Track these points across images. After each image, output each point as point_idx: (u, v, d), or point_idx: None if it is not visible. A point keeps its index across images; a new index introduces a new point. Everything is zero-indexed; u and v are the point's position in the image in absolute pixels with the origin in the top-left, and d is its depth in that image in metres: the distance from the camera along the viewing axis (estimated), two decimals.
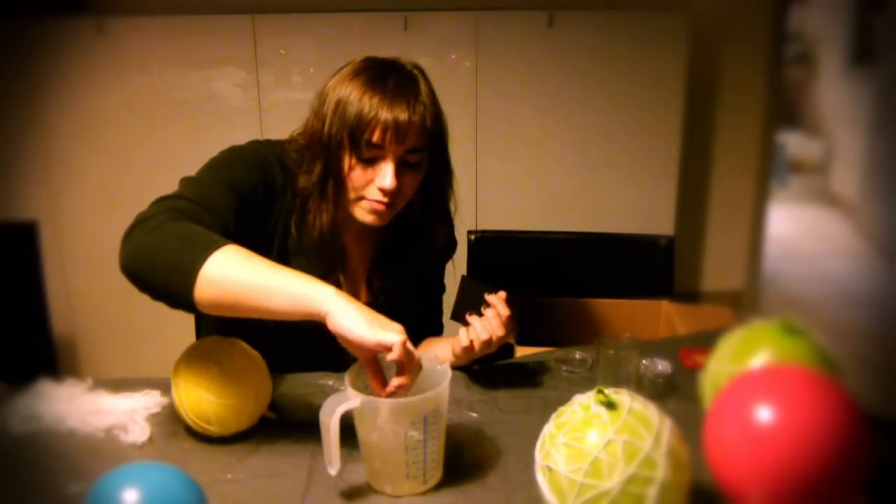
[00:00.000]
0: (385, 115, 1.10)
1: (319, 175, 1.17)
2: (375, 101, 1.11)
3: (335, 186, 1.17)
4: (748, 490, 0.79)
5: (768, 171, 2.75)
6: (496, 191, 2.44)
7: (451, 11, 2.35)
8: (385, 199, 1.15)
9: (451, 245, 1.39)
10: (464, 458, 1.04)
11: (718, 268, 2.74)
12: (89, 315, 2.56)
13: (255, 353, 1.12)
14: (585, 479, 0.79)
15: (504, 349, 1.48)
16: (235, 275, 0.94)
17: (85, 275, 2.53)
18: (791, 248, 4.39)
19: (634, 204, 2.43)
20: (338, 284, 1.23)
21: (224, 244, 0.97)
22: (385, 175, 1.13)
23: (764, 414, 0.78)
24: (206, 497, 0.83)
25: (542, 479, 0.84)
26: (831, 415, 0.77)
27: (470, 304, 1.20)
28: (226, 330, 1.26)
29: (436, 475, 0.98)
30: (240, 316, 0.96)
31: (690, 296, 2.70)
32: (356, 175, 1.15)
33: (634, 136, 2.40)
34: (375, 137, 1.11)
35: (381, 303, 1.31)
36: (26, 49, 2.36)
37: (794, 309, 3.53)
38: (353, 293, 1.28)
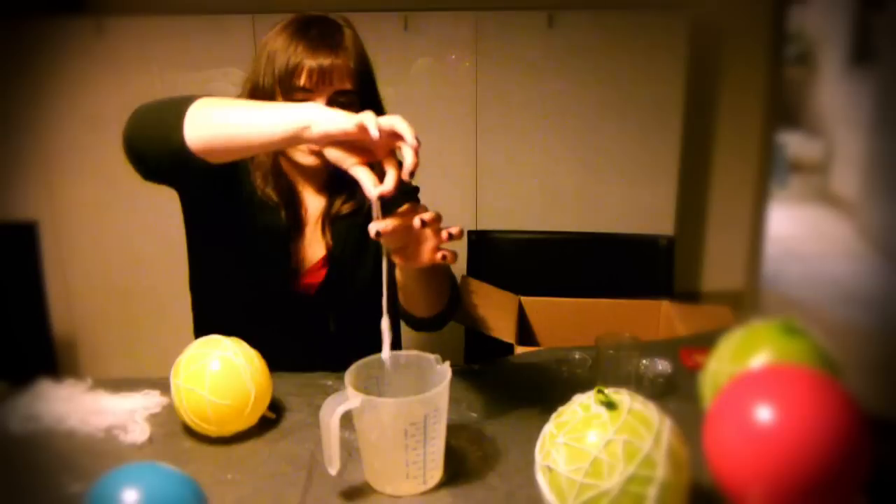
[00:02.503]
0: (310, 57, 1.18)
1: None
2: (301, 47, 1.19)
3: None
4: (748, 490, 0.79)
5: (768, 171, 2.75)
6: (496, 191, 2.44)
7: (451, 11, 2.35)
8: None
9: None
10: (464, 458, 1.04)
11: (718, 268, 2.74)
12: (89, 315, 2.56)
13: (255, 353, 1.12)
14: (585, 478, 0.79)
15: (504, 349, 1.48)
16: (220, 110, 1.00)
17: (85, 275, 2.53)
18: (791, 249, 4.39)
19: (634, 204, 2.43)
20: (301, 235, 1.32)
21: (205, 95, 1.03)
22: None
23: (764, 414, 0.78)
24: (206, 497, 0.83)
25: (542, 479, 0.84)
26: (831, 415, 0.77)
27: (471, 304, 1.20)
28: (225, 329, 1.29)
29: (436, 475, 0.98)
30: (232, 152, 1.00)
31: (690, 296, 2.70)
32: None
33: (634, 136, 2.40)
34: (303, 81, 1.19)
35: (337, 251, 1.35)
36: (26, 49, 2.36)
37: (794, 309, 3.53)
38: (315, 243, 1.35)
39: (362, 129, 0.93)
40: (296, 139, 0.96)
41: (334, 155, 0.97)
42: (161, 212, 2.46)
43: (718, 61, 2.57)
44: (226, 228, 1.31)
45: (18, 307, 1.86)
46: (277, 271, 1.32)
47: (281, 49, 1.21)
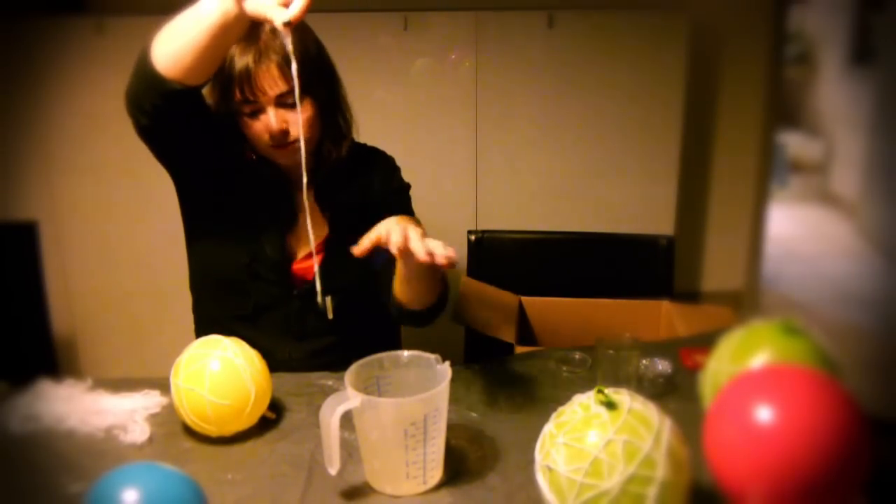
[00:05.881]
0: (238, 71, 1.22)
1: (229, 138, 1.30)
2: (233, 61, 1.22)
3: (238, 141, 1.30)
4: (748, 490, 0.79)
5: (768, 171, 2.75)
6: (496, 191, 2.44)
7: (451, 11, 2.35)
8: (279, 142, 1.26)
9: (387, 169, 1.47)
10: (464, 458, 1.04)
11: (718, 268, 2.74)
12: (89, 315, 2.56)
13: (255, 353, 1.12)
14: (585, 478, 0.79)
15: (504, 349, 1.48)
16: (167, 27, 1.11)
17: (85, 275, 2.53)
18: (791, 249, 4.39)
19: (634, 204, 2.42)
20: (294, 221, 1.36)
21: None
22: (268, 121, 1.24)
23: (764, 414, 0.78)
24: (206, 497, 0.83)
25: (542, 479, 0.84)
26: (831, 415, 0.77)
27: (471, 304, 1.20)
28: (225, 321, 1.30)
29: (436, 475, 0.98)
30: (194, 58, 1.07)
31: (690, 296, 2.70)
32: (250, 131, 1.26)
33: (634, 136, 2.40)
34: (238, 95, 1.22)
35: (335, 237, 1.37)
36: (26, 49, 2.36)
37: (795, 309, 3.53)
38: (312, 229, 1.35)
39: None
40: (228, 13, 1.01)
41: (254, 5, 1.00)
42: (161, 212, 2.47)
43: (718, 61, 2.57)
44: (219, 211, 1.35)
45: (18, 307, 1.86)
46: (272, 256, 1.34)
47: (223, 64, 1.23)
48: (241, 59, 1.21)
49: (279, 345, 1.34)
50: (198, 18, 1.05)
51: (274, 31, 1.24)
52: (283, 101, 1.24)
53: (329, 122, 1.34)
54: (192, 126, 1.21)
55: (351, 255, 1.38)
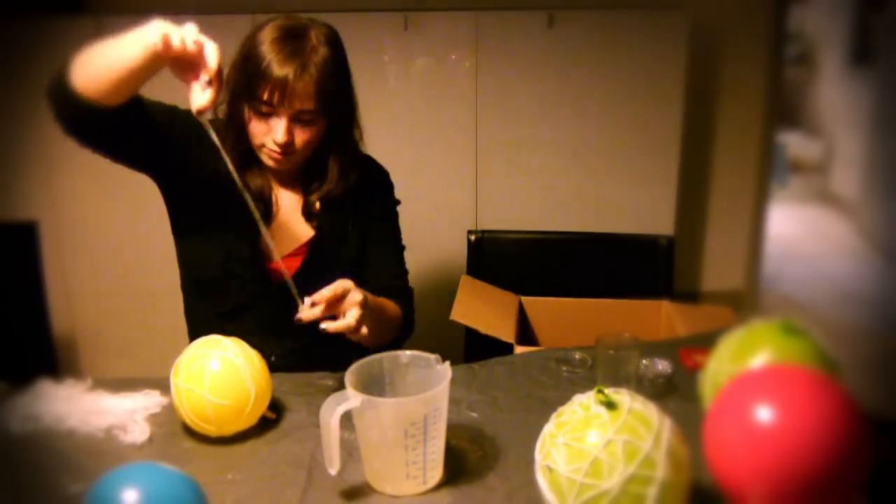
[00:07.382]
0: (276, 75, 1.21)
1: (225, 117, 1.31)
2: (273, 63, 1.22)
3: (235, 131, 1.30)
4: (748, 490, 0.79)
5: (768, 171, 2.75)
6: (496, 191, 2.44)
7: (451, 11, 2.35)
8: (279, 151, 1.27)
9: (381, 183, 1.48)
10: (464, 458, 1.04)
11: (718, 268, 2.74)
12: (89, 315, 2.56)
13: (254, 353, 1.12)
14: (585, 478, 0.79)
15: (504, 349, 1.48)
16: (92, 50, 1.13)
17: (85, 275, 2.53)
18: (791, 249, 4.39)
19: (634, 204, 2.43)
20: (270, 224, 1.37)
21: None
22: (277, 130, 1.25)
23: (764, 414, 0.78)
24: (206, 497, 0.83)
25: (542, 479, 0.84)
26: (831, 415, 0.77)
27: (471, 303, 1.20)
28: (209, 326, 1.30)
29: (436, 475, 0.98)
30: (112, 83, 1.10)
31: (690, 296, 2.70)
32: (254, 126, 1.27)
33: (634, 136, 2.40)
34: (265, 97, 1.22)
35: (318, 240, 1.38)
36: (26, 49, 2.36)
37: (795, 309, 3.53)
38: (292, 232, 1.39)
39: (165, 39, 1.04)
40: (155, 56, 1.06)
41: (179, 74, 1.08)
42: (161, 212, 2.47)
43: (718, 61, 2.57)
44: (197, 208, 1.36)
45: (18, 307, 1.86)
46: (247, 255, 1.35)
47: (256, 57, 1.23)
48: (283, 68, 1.21)
49: (261, 343, 1.33)
50: (124, 49, 1.08)
51: (315, 45, 1.26)
52: (298, 117, 1.25)
53: (338, 140, 1.35)
54: (123, 135, 1.22)
55: (334, 256, 1.38)
